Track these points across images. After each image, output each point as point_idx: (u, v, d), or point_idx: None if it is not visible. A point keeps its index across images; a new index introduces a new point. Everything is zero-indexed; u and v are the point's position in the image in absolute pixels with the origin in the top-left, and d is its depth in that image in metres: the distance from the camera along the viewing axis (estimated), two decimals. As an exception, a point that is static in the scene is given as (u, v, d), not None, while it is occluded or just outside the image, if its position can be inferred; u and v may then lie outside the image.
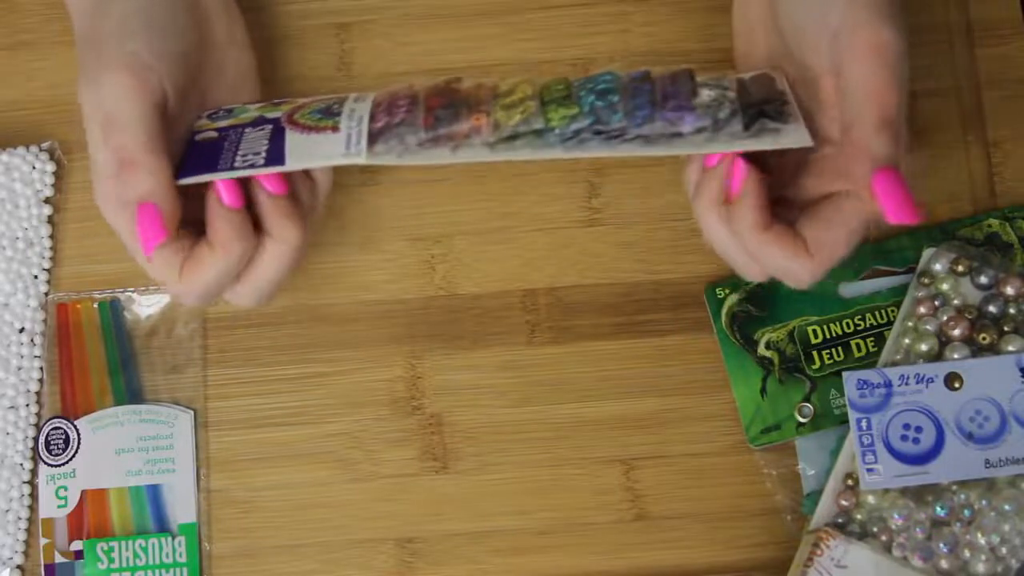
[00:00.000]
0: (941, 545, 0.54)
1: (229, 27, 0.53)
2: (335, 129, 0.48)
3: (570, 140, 0.47)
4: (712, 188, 0.48)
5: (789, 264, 0.48)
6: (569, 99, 0.48)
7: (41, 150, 0.60)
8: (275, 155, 0.48)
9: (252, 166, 0.47)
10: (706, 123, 0.47)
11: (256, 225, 0.49)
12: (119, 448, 0.58)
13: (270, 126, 0.49)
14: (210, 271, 0.48)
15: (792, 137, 0.47)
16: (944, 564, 0.54)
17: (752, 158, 0.47)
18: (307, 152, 0.48)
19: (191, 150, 0.50)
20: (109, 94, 0.48)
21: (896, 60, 0.46)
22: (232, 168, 0.48)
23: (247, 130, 0.49)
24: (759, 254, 0.48)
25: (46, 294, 0.59)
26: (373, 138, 0.47)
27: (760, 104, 0.47)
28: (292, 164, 0.47)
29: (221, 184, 0.47)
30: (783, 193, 0.50)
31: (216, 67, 0.53)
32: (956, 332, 0.55)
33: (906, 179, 0.45)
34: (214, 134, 0.50)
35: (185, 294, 0.49)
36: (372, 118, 0.48)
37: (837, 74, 0.47)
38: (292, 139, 0.48)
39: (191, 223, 0.49)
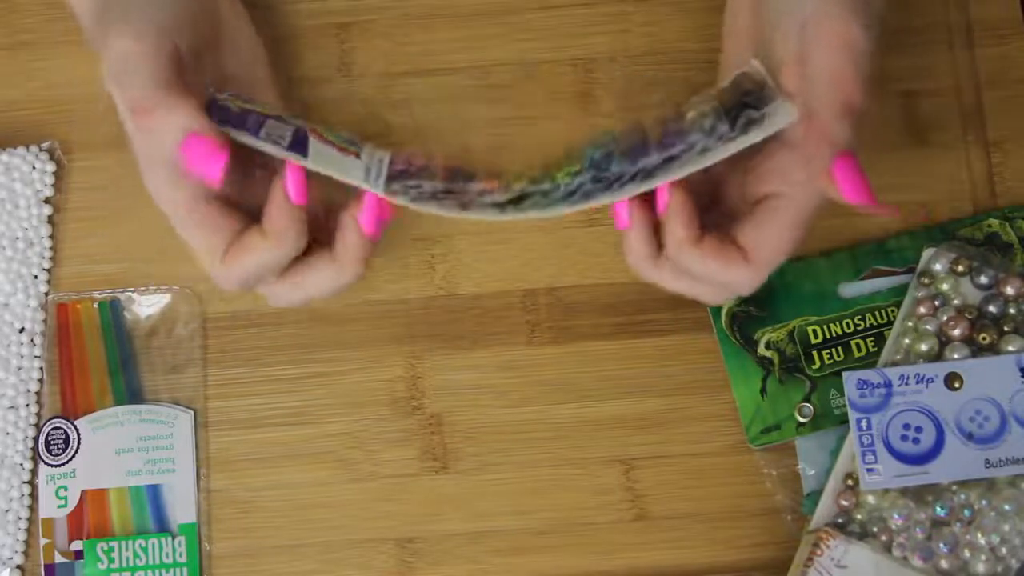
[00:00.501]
0: (941, 545, 0.54)
1: (235, 16, 0.53)
2: (357, 156, 0.49)
3: (573, 195, 0.48)
4: (632, 247, 0.49)
5: (728, 274, 0.48)
6: (570, 158, 0.49)
7: (41, 150, 0.60)
8: (299, 146, 0.48)
9: (276, 144, 0.47)
10: (696, 138, 0.47)
11: (313, 235, 0.49)
12: (119, 448, 0.58)
13: (292, 126, 0.49)
14: (257, 258, 0.48)
15: (777, 117, 0.47)
16: (944, 564, 0.54)
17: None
18: (328, 161, 0.48)
19: (211, 107, 0.49)
20: (118, 58, 0.47)
21: (861, 56, 0.46)
22: (257, 138, 0.48)
23: (269, 119, 0.49)
24: (696, 270, 0.49)
25: (46, 294, 0.59)
26: (392, 177, 0.49)
27: (741, 99, 0.48)
28: (313, 164, 0.48)
29: (290, 177, 0.47)
30: (729, 209, 0.51)
31: (230, 43, 0.52)
32: (956, 332, 0.55)
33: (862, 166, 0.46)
34: (234, 107, 0.50)
35: (225, 278, 0.49)
36: (392, 162, 0.49)
37: (802, 63, 0.47)
38: (315, 145, 0.49)
39: (241, 209, 0.49)
